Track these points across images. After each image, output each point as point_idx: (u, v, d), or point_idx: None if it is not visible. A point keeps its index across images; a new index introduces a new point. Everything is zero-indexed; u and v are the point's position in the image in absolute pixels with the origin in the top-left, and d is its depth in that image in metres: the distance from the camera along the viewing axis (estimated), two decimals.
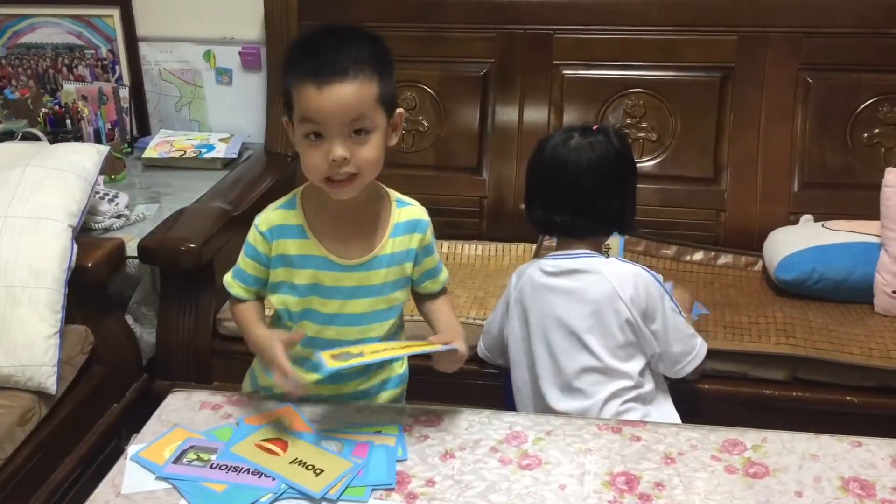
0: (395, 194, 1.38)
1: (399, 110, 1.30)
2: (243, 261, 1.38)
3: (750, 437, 1.29)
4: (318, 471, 1.21)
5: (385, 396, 1.45)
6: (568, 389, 1.53)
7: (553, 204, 1.56)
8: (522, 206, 1.67)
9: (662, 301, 1.54)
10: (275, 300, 1.38)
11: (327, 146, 1.21)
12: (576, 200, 1.54)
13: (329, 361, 1.24)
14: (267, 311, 1.42)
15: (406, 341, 1.38)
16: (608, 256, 1.59)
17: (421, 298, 1.45)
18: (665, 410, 1.58)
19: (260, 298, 1.41)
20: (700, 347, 1.60)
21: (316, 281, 1.34)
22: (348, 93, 1.19)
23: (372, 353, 1.30)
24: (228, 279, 1.40)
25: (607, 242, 1.86)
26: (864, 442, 1.27)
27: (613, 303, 1.50)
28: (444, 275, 1.44)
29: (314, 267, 1.33)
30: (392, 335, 1.41)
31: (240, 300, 1.39)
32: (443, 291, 1.45)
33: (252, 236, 1.36)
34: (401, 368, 1.47)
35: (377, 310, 1.36)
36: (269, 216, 1.35)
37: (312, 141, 1.22)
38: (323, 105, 1.19)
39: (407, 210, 1.37)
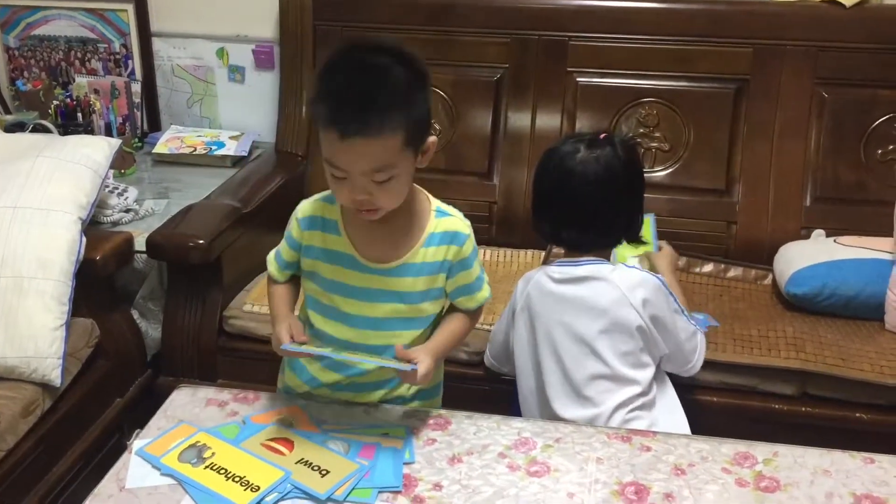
0: (436, 202, 1.35)
1: (431, 139, 1.26)
2: (283, 244, 1.41)
3: (761, 450, 1.27)
4: (323, 471, 1.20)
5: (417, 405, 1.44)
6: (576, 397, 1.52)
7: (560, 220, 1.55)
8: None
9: (668, 303, 1.54)
10: (306, 287, 1.40)
11: (350, 185, 1.21)
12: (583, 217, 1.53)
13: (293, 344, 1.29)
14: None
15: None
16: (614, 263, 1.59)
17: (452, 309, 1.42)
18: (673, 414, 1.57)
19: (294, 279, 1.43)
20: (701, 341, 1.65)
21: (340, 278, 1.33)
22: (371, 150, 1.18)
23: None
24: (269, 256, 1.43)
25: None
26: (876, 459, 1.26)
27: (624, 309, 1.49)
28: (482, 293, 1.40)
29: (340, 264, 1.33)
30: None
31: (274, 279, 1.42)
32: (478, 310, 1.42)
33: (291, 222, 1.38)
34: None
35: (401, 317, 1.34)
36: (309, 206, 1.37)
37: (337, 178, 1.23)
38: (345, 157, 1.19)
39: (446, 221, 1.34)
